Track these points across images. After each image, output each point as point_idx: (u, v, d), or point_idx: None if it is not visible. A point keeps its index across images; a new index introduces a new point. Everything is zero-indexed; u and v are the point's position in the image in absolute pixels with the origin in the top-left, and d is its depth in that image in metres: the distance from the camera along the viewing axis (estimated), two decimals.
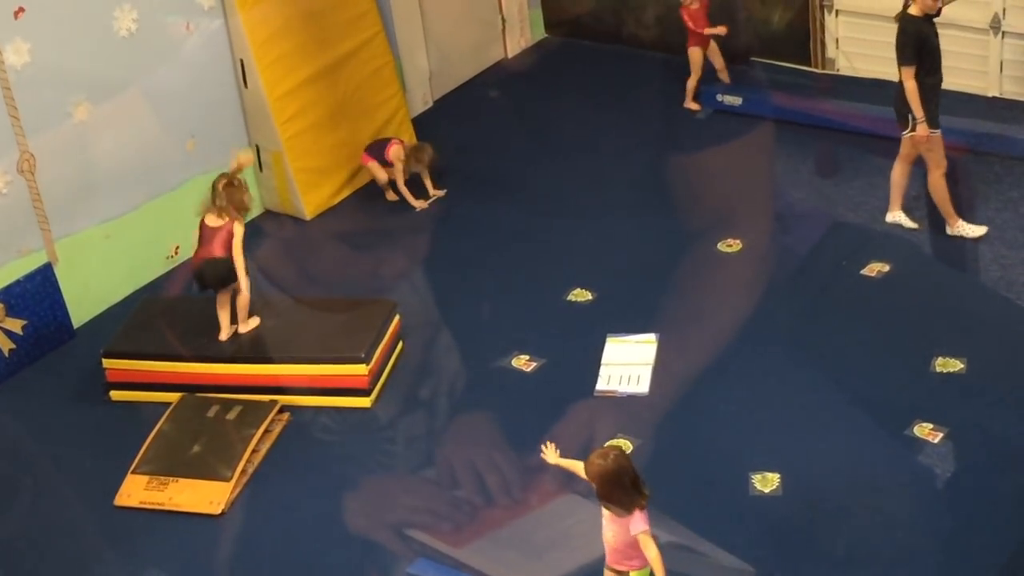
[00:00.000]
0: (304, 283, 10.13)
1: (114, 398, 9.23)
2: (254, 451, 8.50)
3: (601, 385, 8.78)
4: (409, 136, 11.57)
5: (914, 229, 9.88)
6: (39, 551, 8.06)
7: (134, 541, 8.03)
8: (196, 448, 8.49)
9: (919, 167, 9.81)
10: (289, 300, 9.78)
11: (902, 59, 9.31)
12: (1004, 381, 8.39)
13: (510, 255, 10.33)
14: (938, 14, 9.33)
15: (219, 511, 8.14)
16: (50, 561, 7.99)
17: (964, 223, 9.76)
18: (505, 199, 11.06)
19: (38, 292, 9.60)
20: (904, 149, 9.71)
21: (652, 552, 6.39)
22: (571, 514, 7.61)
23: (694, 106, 11.98)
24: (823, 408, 8.37)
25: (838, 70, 12.11)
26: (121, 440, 8.76)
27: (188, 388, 9.01)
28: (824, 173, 10.80)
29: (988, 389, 8.33)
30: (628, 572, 6.67)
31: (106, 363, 9.21)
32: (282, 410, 8.85)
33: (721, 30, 11.75)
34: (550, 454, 6.84)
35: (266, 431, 8.63)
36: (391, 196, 11.21)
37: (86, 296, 10.04)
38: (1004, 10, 11.02)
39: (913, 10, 9.26)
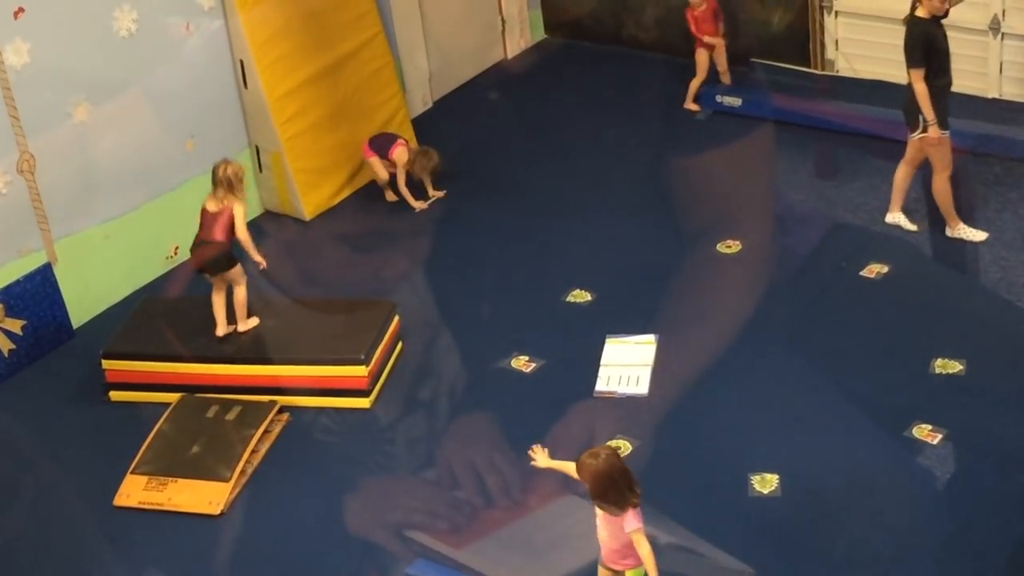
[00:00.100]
0: (303, 283, 10.13)
1: (113, 398, 9.24)
2: (253, 451, 8.50)
3: (600, 386, 8.78)
4: (409, 136, 11.56)
5: (913, 231, 9.88)
6: (38, 551, 8.06)
7: (133, 541, 8.03)
8: (195, 448, 8.49)
9: (922, 170, 9.80)
10: (288, 301, 9.78)
11: (911, 61, 9.29)
12: (1004, 382, 8.39)
13: (510, 256, 10.33)
14: (945, 15, 9.31)
15: (218, 511, 8.14)
16: (49, 561, 7.98)
17: (964, 226, 9.76)
18: (504, 200, 11.07)
19: (38, 292, 9.60)
20: (910, 152, 9.70)
21: (645, 550, 6.40)
22: (571, 515, 7.60)
23: (694, 107, 11.98)
24: (822, 409, 8.37)
25: (837, 71, 12.12)
26: (120, 440, 8.77)
27: (187, 388, 9.01)
28: (824, 174, 10.80)
29: (988, 390, 8.34)
30: (623, 571, 6.68)
31: (105, 363, 9.21)
32: (281, 411, 8.85)
33: (715, 42, 11.76)
34: (540, 457, 6.83)
35: (265, 431, 8.63)
36: (391, 196, 11.21)
37: (86, 296, 10.04)
38: (1003, 11, 11.02)
39: (921, 12, 9.25)
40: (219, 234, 8.94)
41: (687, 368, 8.79)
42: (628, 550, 6.54)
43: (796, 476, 7.84)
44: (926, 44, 9.20)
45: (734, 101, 11.82)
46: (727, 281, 9.69)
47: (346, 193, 11.37)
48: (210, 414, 8.73)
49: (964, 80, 11.00)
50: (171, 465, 8.41)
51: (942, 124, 9.37)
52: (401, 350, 9.35)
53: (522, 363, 9.12)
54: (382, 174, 11.10)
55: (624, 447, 8.20)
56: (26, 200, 9.62)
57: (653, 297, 9.50)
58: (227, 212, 8.92)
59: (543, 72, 13.15)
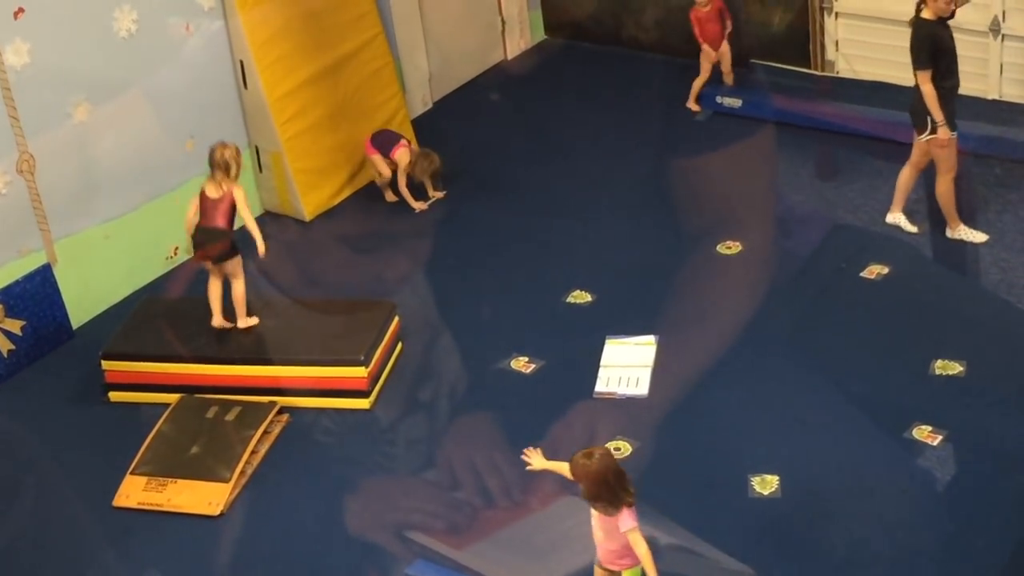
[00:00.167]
0: (303, 284, 10.13)
1: (113, 399, 9.23)
2: (253, 452, 8.49)
3: (600, 387, 8.77)
4: (409, 136, 11.55)
5: (913, 233, 9.88)
6: (38, 551, 8.05)
7: (133, 542, 8.02)
8: (195, 449, 8.48)
9: (925, 172, 9.80)
10: (288, 301, 9.78)
11: (917, 63, 9.27)
12: (1004, 383, 8.39)
13: (509, 256, 10.33)
14: (952, 16, 9.29)
15: (218, 512, 8.14)
16: (49, 561, 7.98)
17: (965, 227, 9.76)
18: (504, 201, 11.06)
19: (37, 293, 9.60)
20: (916, 154, 9.69)
21: (642, 549, 6.40)
22: (571, 516, 7.58)
23: (695, 107, 11.98)
24: (822, 410, 8.37)
25: (837, 72, 12.12)
26: (120, 441, 8.76)
27: (187, 389, 9.01)
28: (824, 175, 10.80)
29: (988, 392, 8.33)
30: (620, 571, 6.68)
31: (105, 364, 9.20)
32: (281, 411, 8.85)
33: (710, 54, 11.78)
34: (535, 459, 6.83)
35: (265, 432, 8.63)
36: (390, 197, 11.21)
37: (85, 297, 10.04)
38: (1004, 13, 11.01)
39: (926, 14, 9.22)
40: (221, 221, 8.95)
41: (687, 369, 8.79)
42: (624, 550, 6.54)
43: (796, 477, 7.84)
44: (932, 45, 9.18)
45: (734, 102, 11.82)
46: (727, 282, 9.68)
47: (346, 193, 11.37)
48: (210, 415, 8.73)
49: (964, 81, 10.92)
50: (171, 466, 8.40)
51: (950, 126, 9.35)
52: (401, 351, 9.35)
53: (522, 364, 9.12)
54: (384, 171, 11.08)
55: (624, 448, 8.20)
56: (26, 200, 9.62)
57: (653, 298, 9.50)
58: (228, 198, 8.92)
59: (543, 73, 13.15)
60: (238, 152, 9.02)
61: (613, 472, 6.35)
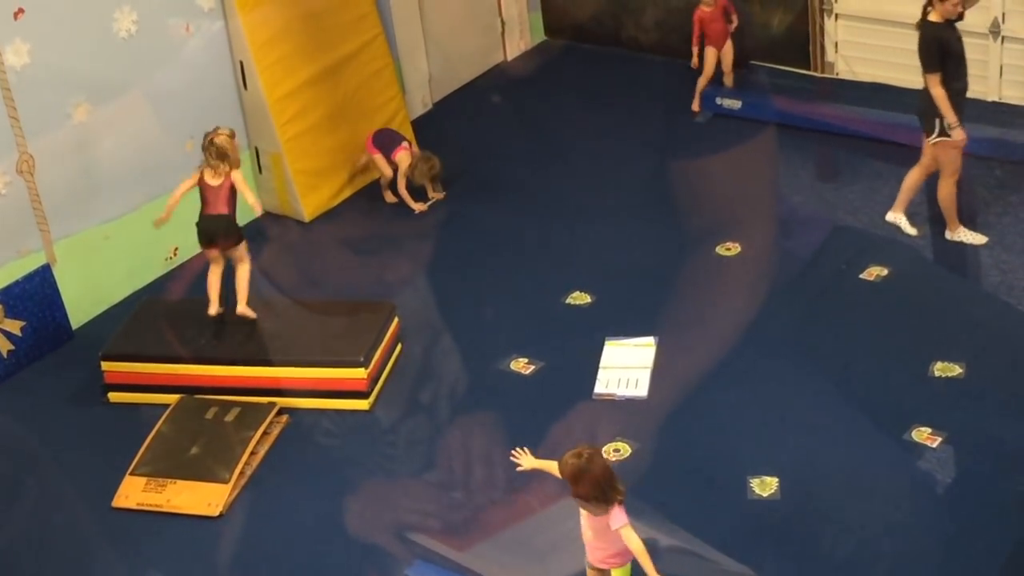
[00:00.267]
0: (303, 285, 10.13)
1: (112, 399, 9.23)
2: (252, 453, 8.49)
3: (600, 388, 8.77)
4: (410, 137, 11.55)
5: (911, 235, 9.87)
6: (37, 552, 8.05)
7: (132, 543, 8.02)
8: (194, 450, 8.48)
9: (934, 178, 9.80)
10: (288, 302, 9.78)
11: (926, 66, 9.25)
12: (1004, 385, 8.39)
13: (509, 257, 10.33)
14: (960, 19, 9.28)
15: (217, 513, 8.14)
16: (48, 562, 7.97)
17: (965, 229, 9.76)
18: (504, 202, 11.06)
19: (37, 293, 9.60)
20: (926, 157, 9.67)
21: (636, 544, 6.41)
22: (571, 517, 7.53)
23: (699, 108, 11.98)
24: (822, 412, 8.37)
25: (837, 74, 12.12)
26: (119, 442, 8.76)
27: (187, 390, 9.00)
28: (824, 177, 10.80)
29: (987, 393, 8.33)
30: (609, 570, 6.69)
31: (104, 365, 9.20)
32: (281, 412, 8.85)
33: (713, 52, 11.79)
34: (524, 459, 6.83)
35: (264, 433, 8.63)
36: (390, 198, 11.21)
37: (85, 297, 10.04)
38: (1004, 15, 11.01)
39: (933, 16, 9.20)
40: (223, 207, 9.01)
41: (686, 370, 8.79)
42: (614, 548, 6.56)
43: (796, 479, 7.84)
44: (940, 48, 9.16)
45: (734, 104, 11.82)
46: (727, 283, 9.68)
47: (346, 194, 11.37)
48: (209, 415, 8.73)
49: None
50: (170, 466, 8.40)
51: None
52: (400, 352, 9.35)
53: (521, 365, 9.12)
54: (386, 171, 11.09)
55: (623, 449, 8.21)
56: (25, 201, 9.62)
57: (652, 299, 9.50)
58: (227, 183, 8.97)
59: (543, 74, 13.15)
60: (233, 135, 9.08)
61: (602, 470, 6.37)
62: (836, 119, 11.30)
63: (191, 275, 10.33)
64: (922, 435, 8.03)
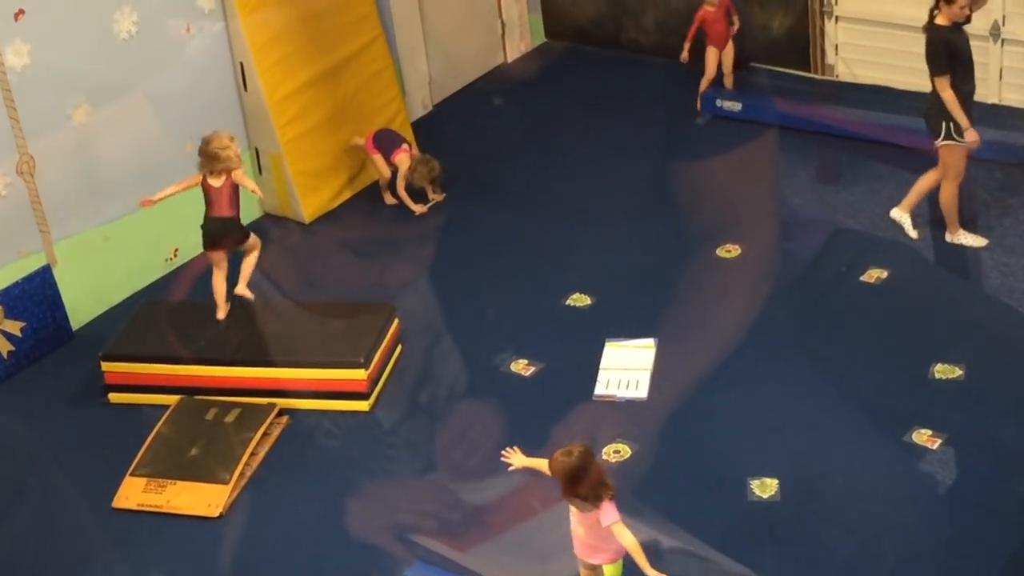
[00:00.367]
0: (303, 286, 10.13)
1: (112, 400, 9.23)
2: (252, 454, 8.49)
3: (600, 390, 8.77)
4: (410, 139, 11.55)
5: (912, 237, 9.86)
6: (37, 552, 8.04)
7: (132, 543, 8.02)
8: (194, 451, 8.48)
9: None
10: (288, 303, 9.78)
11: (934, 70, 9.22)
12: (1004, 387, 8.39)
13: (509, 259, 10.33)
14: (967, 22, 9.27)
15: (217, 514, 8.13)
16: (48, 562, 7.97)
17: (964, 232, 9.77)
18: (504, 203, 11.06)
19: (37, 294, 9.60)
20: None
21: (629, 540, 6.42)
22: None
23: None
24: (821, 413, 8.37)
25: (837, 76, 12.12)
26: (119, 442, 8.76)
27: (187, 391, 9.00)
28: (824, 179, 10.80)
29: (988, 395, 8.33)
30: (601, 566, 6.69)
31: (104, 365, 9.20)
32: (281, 413, 8.85)
33: (686, 56, 11.81)
34: (515, 458, 6.84)
35: (264, 434, 8.62)
36: (389, 200, 11.21)
37: (85, 298, 10.04)
38: (1004, 17, 11.02)
39: (941, 19, 9.18)
40: (227, 209, 9.08)
41: (687, 372, 8.79)
42: (604, 544, 6.57)
43: (796, 480, 7.84)
44: (947, 51, 9.14)
45: (734, 106, 11.81)
46: (727, 285, 9.69)
47: (346, 196, 11.37)
48: (209, 416, 8.72)
49: None
50: (170, 467, 8.40)
51: (959, 131, 9.31)
52: (401, 353, 9.35)
53: (521, 366, 9.12)
54: (385, 172, 11.10)
55: (623, 451, 8.21)
56: (25, 202, 9.62)
57: (653, 301, 9.50)
58: (229, 183, 9.03)
59: (543, 76, 13.15)
60: (232, 138, 9.11)
61: (592, 467, 6.39)
62: (836, 121, 11.30)
63: (191, 276, 10.34)
64: (922, 437, 8.03)
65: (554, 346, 9.24)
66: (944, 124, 9.30)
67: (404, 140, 11.22)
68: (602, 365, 8.98)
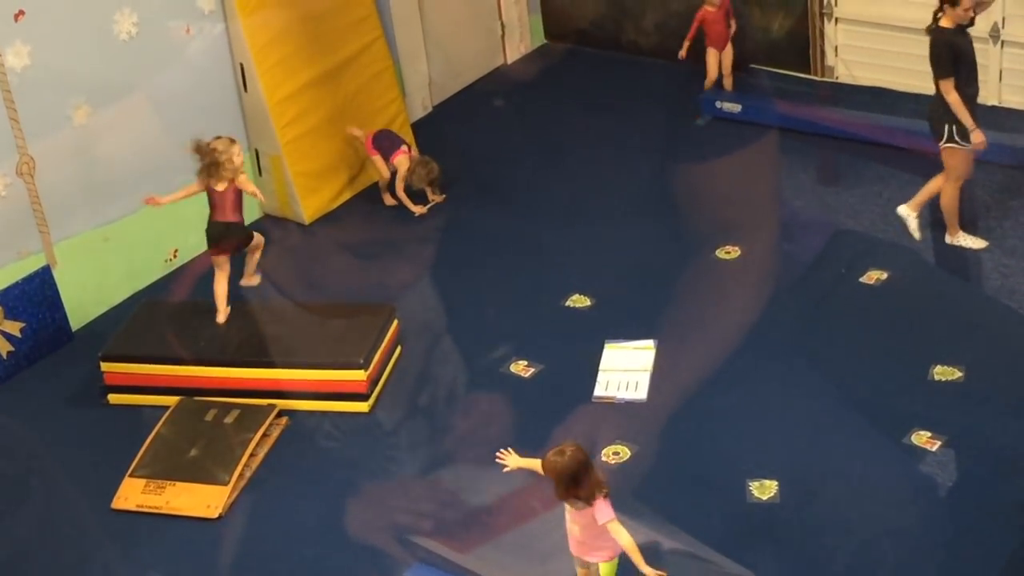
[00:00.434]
0: (303, 287, 10.13)
1: (112, 401, 9.22)
2: (252, 455, 8.49)
3: (599, 391, 8.77)
4: (409, 140, 11.55)
5: (914, 238, 9.84)
6: (36, 553, 8.04)
7: (132, 544, 8.02)
8: (194, 452, 8.48)
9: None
10: (287, 304, 9.78)
11: (938, 72, 9.21)
12: (1003, 389, 8.39)
13: (508, 260, 10.33)
14: (971, 24, 9.26)
15: (216, 515, 8.13)
16: (48, 563, 7.97)
17: (964, 234, 9.77)
18: (503, 204, 11.06)
19: (36, 295, 9.60)
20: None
21: (625, 538, 6.43)
22: None
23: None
24: (821, 415, 8.37)
25: (837, 78, 12.13)
26: (119, 443, 8.76)
27: (186, 391, 9.00)
28: (825, 181, 10.80)
29: (987, 397, 8.33)
30: (596, 564, 6.70)
31: (104, 366, 9.20)
32: (280, 414, 8.84)
33: (684, 54, 11.81)
34: (509, 459, 6.84)
35: (264, 435, 8.62)
36: (389, 201, 11.21)
37: (84, 299, 10.04)
38: (1003, 19, 11.02)
39: (945, 22, 9.17)
40: (231, 214, 9.17)
41: (686, 373, 8.79)
42: (599, 542, 6.58)
43: (795, 482, 7.84)
44: (951, 53, 9.14)
45: (734, 107, 11.81)
46: (726, 287, 9.69)
47: (346, 197, 11.37)
48: (208, 417, 8.72)
49: None
50: (169, 468, 8.40)
51: (962, 135, 9.28)
52: (400, 354, 9.35)
53: (521, 368, 9.12)
54: (384, 173, 11.11)
55: (623, 452, 8.21)
56: (25, 203, 9.62)
57: (652, 302, 9.50)
58: (233, 187, 9.09)
59: (543, 77, 13.15)
60: (231, 141, 9.15)
61: (584, 466, 6.40)
62: (836, 123, 11.30)
63: (191, 277, 10.34)
64: (922, 439, 8.03)
65: (554, 347, 9.24)
66: (947, 127, 9.29)
67: (403, 141, 11.23)
68: (602, 366, 8.98)
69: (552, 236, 10.52)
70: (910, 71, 11.36)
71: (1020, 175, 10.45)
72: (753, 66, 12.33)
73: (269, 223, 11.05)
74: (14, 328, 9.51)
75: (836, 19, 11.93)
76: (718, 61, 11.87)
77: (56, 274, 9.75)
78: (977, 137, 9.29)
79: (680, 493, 7.87)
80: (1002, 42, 11.12)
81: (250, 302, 9.67)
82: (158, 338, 9.24)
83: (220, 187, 9.08)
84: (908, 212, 9.89)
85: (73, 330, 9.92)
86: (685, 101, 12.03)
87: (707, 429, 8.36)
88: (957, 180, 9.54)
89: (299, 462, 8.55)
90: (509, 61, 13.47)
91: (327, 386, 8.91)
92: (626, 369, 8.93)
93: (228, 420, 8.67)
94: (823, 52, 12.10)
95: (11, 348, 9.53)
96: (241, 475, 8.36)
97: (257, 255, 9.67)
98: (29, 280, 9.55)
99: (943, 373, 8.56)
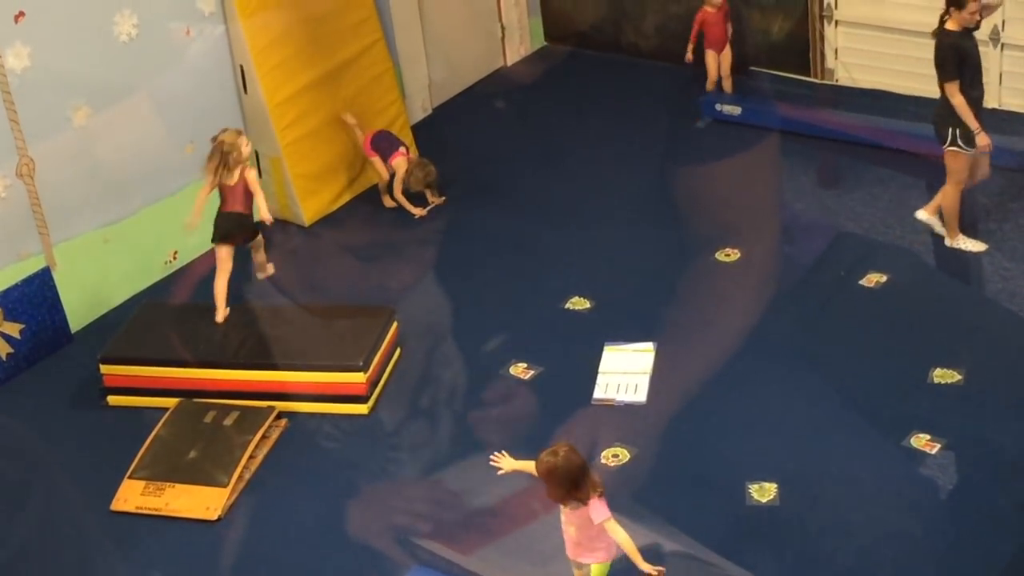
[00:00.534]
0: (303, 289, 10.12)
1: (111, 403, 9.22)
2: (251, 457, 8.48)
3: (599, 393, 8.77)
4: (409, 142, 11.56)
5: (943, 235, 9.82)
6: (35, 555, 8.03)
7: (132, 545, 8.01)
8: (193, 454, 8.47)
9: (938, 181, 9.76)
10: (287, 306, 9.78)
11: (943, 75, 9.22)
12: (1003, 392, 8.39)
13: (507, 263, 10.32)
14: (977, 28, 9.27)
15: (215, 517, 8.13)
16: (47, 564, 7.97)
17: (964, 237, 9.77)
18: (503, 207, 11.06)
19: (36, 296, 9.59)
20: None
21: (621, 536, 6.43)
22: None
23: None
24: (820, 418, 8.37)
25: (837, 80, 12.13)
26: (118, 445, 8.75)
27: (185, 393, 8.99)
28: (825, 183, 10.79)
29: (987, 400, 8.33)
30: (589, 565, 6.69)
31: (103, 368, 9.19)
32: (279, 416, 8.84)
33: (691, 57, 11.83)
34: (504, 462, 6.83)
35: (263, 437, 8.62)
36: (389, 203, 11.20)
37: (84, 300, 10.03)
38: (1003, 22, 11.02)
39: (951, 25, 9.17)
40: (240, 205, 9.25)
41: (686, 376, 8.79)
42: (594, 543, 6.58)
43: (794, 484, 7.83)
44: (956, 56, 9.14)
45: (734, 110, 11.81)
46: (726, 289, 9.68)
47: (345, 199, 11.37)
48: (208, 419, 8.72)
49: None
50: (169, 470, 8.39)
51: (965, 138, 9.28)
52: (400, 356, 9.34)
53: (520, 370, 9.11)
54: (384, 174, 11.11)
55: (622, 455, 8.20)
56: (25, 204, 9.62)
57: (652, 304, 9.50)
58: (242, 181, 9.19)
59: (543, 79, 13.15)
60: (238, 133, 9.25)
61: (578, 467, 6.40)
62: (836, 125, 11.31)
63: (190, 279, 10.34)
64: (921, 441, 8.03)
65: (553, 350, 9.24)
66: (951, 130, 9.30)
67: (402, 143, 11.22)
68: (601, 369, 8.97)
69: (552, 238, 10.52)
70: (910, 74, 11.37)
71: (1020, 178, 10.44)
72: (753, 69, 12.34)
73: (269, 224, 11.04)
74: (14, 330, 9.51)
75: (836, 22, 11.93)
76: (717, 63, 11.88)
77: (56, 276, 9.75)
78: (982, 140, 9.30)
79: (679, 495, 7.86)
80: (1002, 45, 11.12)
81: (249, 304, 9.67)
82: (158, 340, 9.23)
83: (231, 182, 9.17)
84: (928, 216, 9.88)
85: (73, 332, 9.91)
86: (685, 104, 12.03)
87: (706, 431, 8.36)
88: (958, 184, 9.54)
89: (299, 464, 8.54)
90: (509, 63, 13.47)
91: (326, 388, 8.91)
92: (626, 371, 8.92)
93: (227, 422, 8.67)
94: (823, 55, 12.10)
95: (11, 350, 9.52)
96: (240, 477, 8.36)
97: (262, 251, 9.74)
98: (29, 282, 9.54)
99: (943, 376, 8.56)
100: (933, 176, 9.73)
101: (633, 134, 11.87)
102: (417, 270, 10.33)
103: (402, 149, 11.13)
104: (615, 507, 6.55)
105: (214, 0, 10.50)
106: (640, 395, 8.71)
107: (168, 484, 8.31)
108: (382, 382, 9.07)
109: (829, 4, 11.85)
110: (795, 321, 9.26)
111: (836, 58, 12.08)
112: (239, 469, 8.34)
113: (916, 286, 9.53)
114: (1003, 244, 9.74)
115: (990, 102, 11.20)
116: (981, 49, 10.88)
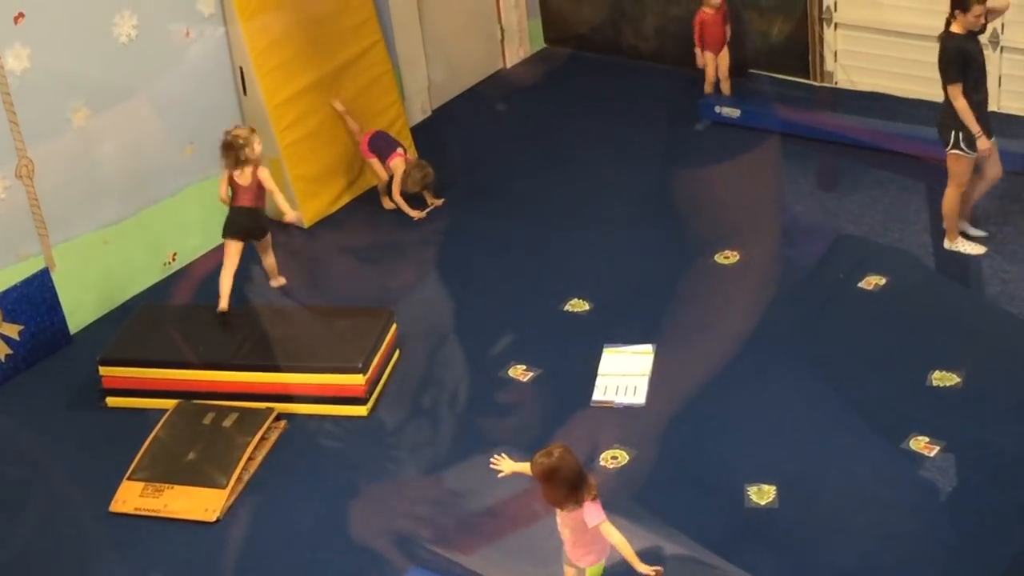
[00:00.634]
0: (302, 290, 10.13)
1: (110, 404, 9.22)
2: (250, 459, 8.48)
3: (598, 395, 8.77)
4: (408, 143, 11.56)
5: (982, 235, 9.79)
6: (34, 556, 8.03)
7: (131, 546, 8.01)
8: (192, 455, 8.47)
9: (940, 183, 9.75)
10: (286, 308, 9.78)
11: (947, 78, 9.22)
12: (1002, 394, 8.39)
13: (507, 265, 10.32)
14: (983, 31, 9.29)
15: (214, 518, 8.12)
16: (45, 566, 7.96)
17: (963, 239, 9.77)
18: (502, 209, 11.06)
19: (35, 297, 9.59)
20: (982, 167, 9.64)
21: (616, 538, 6.43)
22: None
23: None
24: (820, 420, 8.36)
25: (836, 83, 12.13)
26: (117, 446, 8.74)
27: (184, 395, 8.99)
28: (824, 186, 10.80)
29: (986, 402, 8.33)
30: (584, 568, 6.69)
31: (102, 369, 9.19)
32: (278, 418, 8.84)
33: (712, 59, 11.81)
34: (504, 464, 6.83)
35: (262, 439, 8.62)
36: (388, 204, 11.20)
37: (83, 302, 10.03)
38: (1003, 25, 11.02)
39: (956, 28, 9.18)
40: (252, 200, 9.50)
41: (685, 378, 8.78)
42: (589, 546, 6.58)
43: (794, 487, 7.83)
44: (960, 59, 9.14)
45: (733, 112, 11.81)
46: (725, 292, 9.68)
47: (345, 200, 11.36)
48: (207, 421, 8.72)
49: None
50: (167, 471, 8.39)
51: (968, 142, 9.28)
52: (399, 358, 9.34)
53: (520, 372, 9.11)
54: (383, 175, 11.11)
55: (621, 457, 8.20)
56: (25, 205, 9.61)
57: (651, 306, 9.50)
58: (255, 179, 9.38)
59: (542, 81, 13.16)
60: (251, 131, 9.48)
61: (573, 469, 6.38)
62: (835, 128, 11.31)
63: (190, 280, 10.34)
64: (920, 444, 8.03)
65: (552, 351, 9.24)
66: (954, 133, 9.30)
67: (399, 144, 11.22)
68: (600, 371, 8.97)
69: (551, 240, 10.52)
70: (909, 76, 11.38)
71: (1020, 181, 10.44)
72: (752, 71, 12.34)
73: (270, 225, 11.04)
74: (12, 331, 9.51)
75: (835, 24, 11.93)
76: (715, 65, 11.88)
77: (55, 277, 9.75)
78: (983, 144, 9.31)
79: (679, 497, 7.86)
80: (1001, 48, 11.12)
81: (249, 305, 9.67)
82: (157, 341, 9.23)
83: (244, 180, 9.40)
84: (955, 242, 9.85)
85: (72, 333, 9.91)
86: (684, 106, 12.03)
87: (706, 433, 8.36)
88: (959, 186, 9.54)
89: (298, 465, 8.54)
90: (508, 65, 13.48)
91: (326, 390, 8.91)
92: (625, 373, 8.93)
93: (226, 423, 8.66)
94: (822, 57, 12.11)
95: (9, 351, 9.52)
96: (239, 478, 8.35)
97: (271, 254, 9.89)
98: (28, 283, 9.54)
99: (941, 378, 8.56)
100: (933, 179, 9.74)
101: (632, 136, 11.87)
102: (417, 272, 10.33)
103: (399, 150, 11.13)
104: (615, 509, 6.56)
105: (214, 1, 10.51)
106: (639, 397, 8.71)
107: (167, 485, 8.31)
108: (381, 384, 9.07)
109: (828, 7, 11.86)
110: (794, 323, 9.26)
111: (835, 61, 12.08)
112: (238, 470, 8.34)
113: (915, 289, 9.53)
114: (1002, 247, 9.74)
115: (990, 105, 11.18)
116: None
